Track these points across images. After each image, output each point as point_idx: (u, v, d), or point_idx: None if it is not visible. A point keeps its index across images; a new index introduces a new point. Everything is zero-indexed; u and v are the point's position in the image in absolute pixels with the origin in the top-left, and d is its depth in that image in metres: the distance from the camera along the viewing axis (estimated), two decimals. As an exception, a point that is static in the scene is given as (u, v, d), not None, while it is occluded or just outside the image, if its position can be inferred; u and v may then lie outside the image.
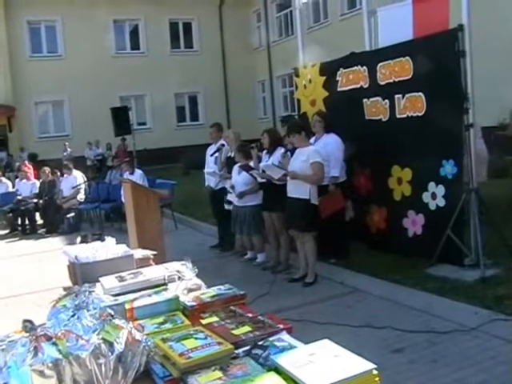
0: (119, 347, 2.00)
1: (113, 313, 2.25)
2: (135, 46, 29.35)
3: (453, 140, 6.55)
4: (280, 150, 7.60)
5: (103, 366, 1.95)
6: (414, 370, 4.61)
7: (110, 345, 1.99)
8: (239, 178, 8.06)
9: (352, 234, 8.03)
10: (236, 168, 8.12)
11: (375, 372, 1.85)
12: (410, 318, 5.68)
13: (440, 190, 6.75)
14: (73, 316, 2.16)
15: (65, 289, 2.89)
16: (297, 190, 6.91)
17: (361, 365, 1.84)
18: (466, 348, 4.90)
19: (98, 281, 2.95)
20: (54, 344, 1.99)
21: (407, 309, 5.97)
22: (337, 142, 7.55)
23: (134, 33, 29.39)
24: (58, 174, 14.39)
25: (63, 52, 27.37)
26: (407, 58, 6.98)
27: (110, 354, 1.97)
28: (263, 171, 7.51)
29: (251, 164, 7.81)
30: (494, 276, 6.14)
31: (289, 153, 7.39)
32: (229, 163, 8.70)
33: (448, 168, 6.61)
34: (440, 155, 6.68)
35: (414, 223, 7.16)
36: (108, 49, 27.71)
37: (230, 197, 8.38)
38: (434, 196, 6.83)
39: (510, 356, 4.65)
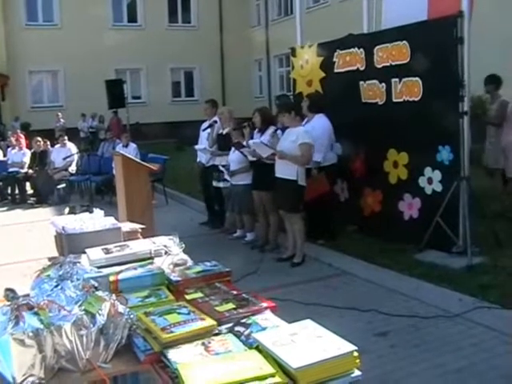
0: (101, 319, 2.01)
1: (97, 284, 2.25)
2: (132, 18, 29.02)
3: (449, 126, 6.52)
4: (271, 129, 7.58)
5: (84, 337, 1.95)
6: (395, 353, 4.64)
7: (92, 316, 1.99)
8: (233, 156, 8.04)
9: (345, 216, 8.06)
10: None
11: (356, 354, 1.86)
12: (395, 303, 5.71)
13: (436, 175, 6.74)
14: (56, 286, 2.16)
15: (50, 259, 2.89)
16: (284, 171, 6.89)
17: (342, 346, 1.85)
18: (449, 334, 4.93)
19: (85, 252, 2.95)
20: (36, 314, 1.99)
21: (393, 293, 6.00)
22: (323, 127, 7.53)
23: (132, 5, 29.07)
24: (49, 144, 14.29)
25: (59, 21, 27.04)
26: (404, 42, 6.93)
27: (91, 325, 1.97)
28: (253, 149, 7.49)
29: (244, 143, 7.79)
30: (481, 264, 6.16)
31: (279, 132, 7.36)
32: (220, 140, 8.67)
33: (444, 154, 6.60)
34: (436, 141, 6.66)
35: (410, 206, 7.16)
36: (105, 20, 27.42)
37: (226, 175, 8.35)
38: (430, 181, 6.83)
39: (491, 344, 4.69)
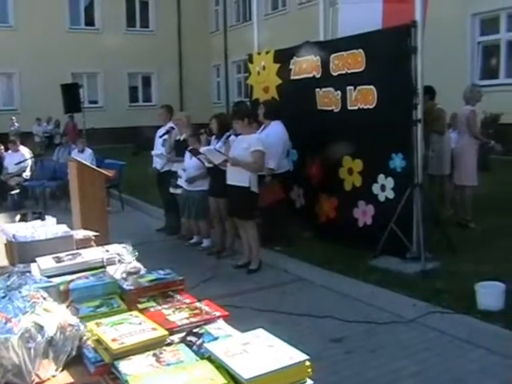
0: (50, 331, 1.96)
1: (46, 295, 2.19)
2: (90, 21, 28.71)
3: (402, 134, 6.62)
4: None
5: (32, 350, 1.90)
6: (351, 359, 4.68)
7: (41, 328, 1.94)
8: (191, 163, 8.00)
9: (301, 223, 8.09)
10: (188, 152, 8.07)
11: (308, 363, 1.86)
12: (350, 308, 5.76)
13: (389, 183, 6.83)
14: (4, 297, 2.10)
15: (-2, 269, 2.81)
16: (237, 177, 6.87)
17: (294, 355, 1.85)
18: (403, 339, 5.00)
19: (35, 261, 2.88)
20: (-19, 326, 1.93)
21: (349, 299, 6.05)
22: (278, 134, 7.55)
23: (89, 8, 28.75)
24: (3, 148, 13.97)
25: (14, 23, 26.55)
26: (360, 50, 7.02)
27: (40, 337, 1.93)
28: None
29: (201, 149, 7.77)
30: (434, 270, 6.26)
31: (232, 138, 7.33)
32: (177, 146, 8.63)
33: (397, 161, 6.69)
34: (389, 148, 6.76)
35: (364, 213, 7.23)
36: (62, 23, 27.05)
37: (180, 181, 8.30)
38: (383, 188, 6.92)
39: (444, 348, 4.77)
